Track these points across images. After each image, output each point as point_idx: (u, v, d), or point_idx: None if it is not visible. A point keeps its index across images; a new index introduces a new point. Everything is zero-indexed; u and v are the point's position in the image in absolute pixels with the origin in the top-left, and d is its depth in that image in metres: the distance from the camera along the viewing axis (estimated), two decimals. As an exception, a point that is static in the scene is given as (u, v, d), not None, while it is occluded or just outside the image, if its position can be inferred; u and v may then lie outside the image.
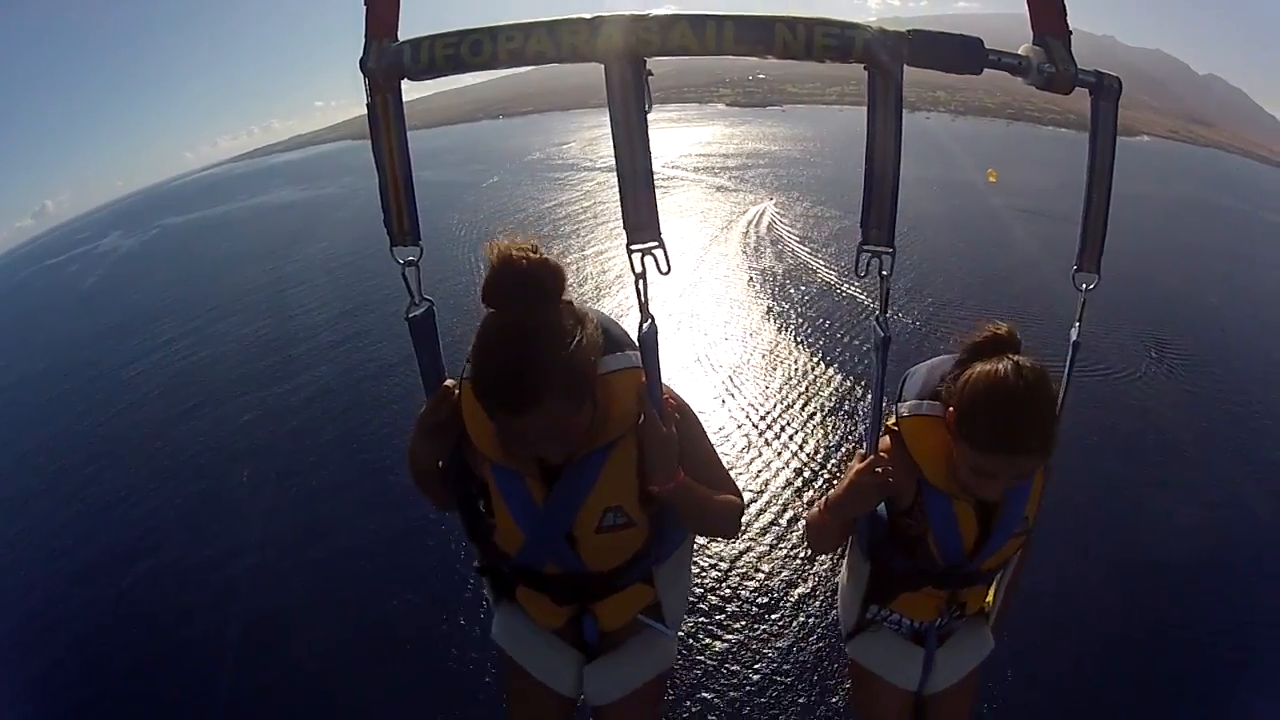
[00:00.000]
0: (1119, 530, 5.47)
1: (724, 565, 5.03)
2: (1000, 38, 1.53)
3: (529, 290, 1.43)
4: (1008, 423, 1.58)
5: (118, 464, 8.04)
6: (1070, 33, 1.44)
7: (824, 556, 4.88)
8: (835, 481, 1.89)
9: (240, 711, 4.46)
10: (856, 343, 8.97)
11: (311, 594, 5.38)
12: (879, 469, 1.70)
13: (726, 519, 1.76)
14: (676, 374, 7.89)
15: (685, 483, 1.62)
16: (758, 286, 11.33)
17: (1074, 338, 1.83)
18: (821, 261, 12.37)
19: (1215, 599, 4.85)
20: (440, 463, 1.75)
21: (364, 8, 1.46)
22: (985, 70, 1.43)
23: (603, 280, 11.87)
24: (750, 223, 15.70)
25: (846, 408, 7.24)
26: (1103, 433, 6.77)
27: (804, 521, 1.92)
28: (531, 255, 1.45)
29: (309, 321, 11.84)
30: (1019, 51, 1.47)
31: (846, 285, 11.01)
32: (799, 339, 9.14)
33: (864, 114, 1.40)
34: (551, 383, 1.39)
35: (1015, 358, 1.63)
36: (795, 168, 23.92)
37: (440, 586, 5.13)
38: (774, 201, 17.91)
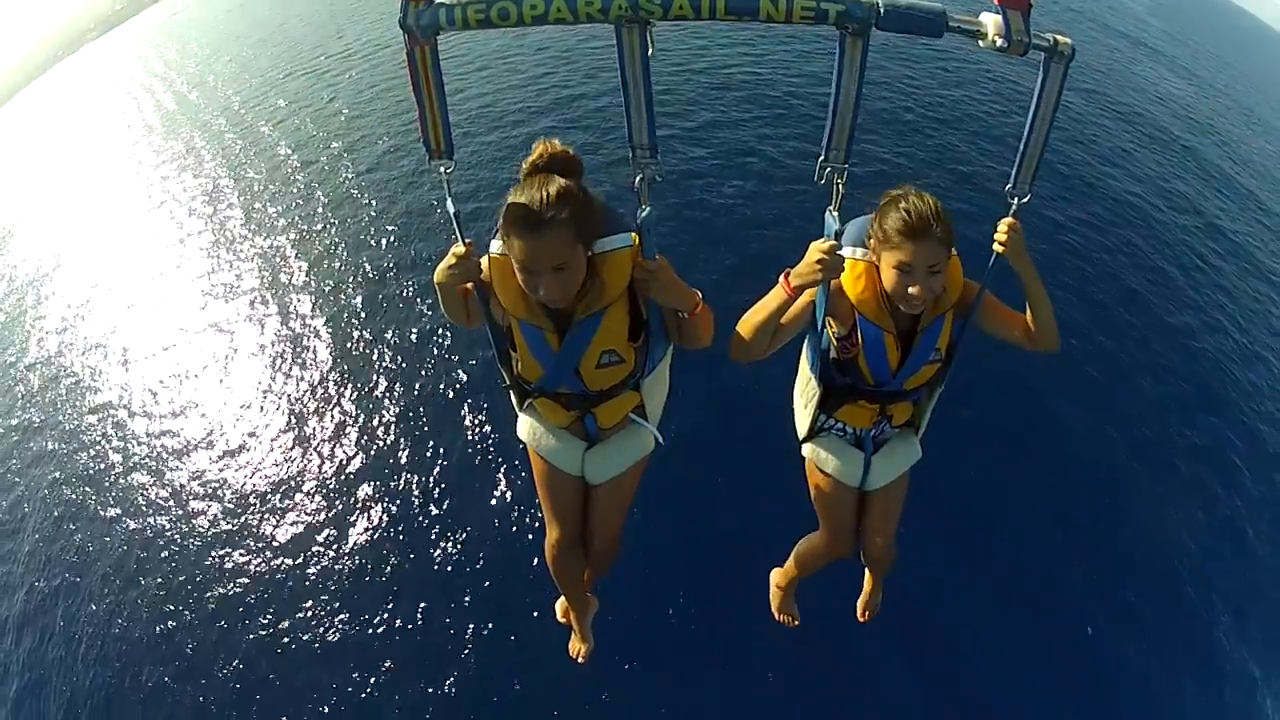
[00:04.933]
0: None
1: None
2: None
3: (557, 166, 1.93)
4: (910, 213, 2.04)
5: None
6: (1031, 6, 1.60)
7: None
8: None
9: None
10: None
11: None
12: (837, 252, 2.04)
13: (711, 329, 2.21)
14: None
15: (704, 306, 2.12)
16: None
17: None
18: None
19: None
20: (461, 291, 2.13)
21: None
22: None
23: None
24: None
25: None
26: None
27: (742, 323, 2.19)
28: (558, 147, 1.96)
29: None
30: (978, 18, 1.64)
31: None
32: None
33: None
34: (561, 214, 1.83)
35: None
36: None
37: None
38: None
